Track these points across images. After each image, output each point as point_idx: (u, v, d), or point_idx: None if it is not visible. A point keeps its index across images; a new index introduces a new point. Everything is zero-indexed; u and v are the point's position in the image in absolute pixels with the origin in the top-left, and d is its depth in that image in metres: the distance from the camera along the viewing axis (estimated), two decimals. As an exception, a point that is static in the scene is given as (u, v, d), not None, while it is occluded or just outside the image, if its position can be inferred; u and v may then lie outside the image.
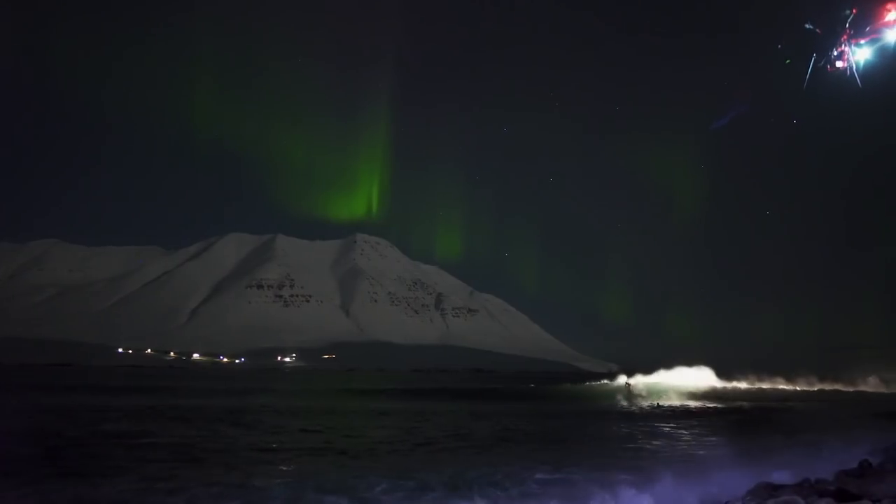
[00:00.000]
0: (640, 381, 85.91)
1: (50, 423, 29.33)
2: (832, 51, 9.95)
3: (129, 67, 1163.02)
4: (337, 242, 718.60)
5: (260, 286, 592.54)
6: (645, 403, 49.54)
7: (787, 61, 10.94)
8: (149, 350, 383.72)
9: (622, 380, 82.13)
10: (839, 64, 9.88)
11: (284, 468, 18.65)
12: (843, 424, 31.22)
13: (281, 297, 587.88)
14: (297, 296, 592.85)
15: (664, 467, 17.18)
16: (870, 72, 9.86)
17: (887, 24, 9.56)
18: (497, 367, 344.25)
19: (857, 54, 9.85)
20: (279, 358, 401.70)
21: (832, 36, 9.97)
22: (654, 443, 25.95)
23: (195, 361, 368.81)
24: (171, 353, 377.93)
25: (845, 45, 9.88)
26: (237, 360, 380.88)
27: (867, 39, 9.68)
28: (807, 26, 10.03)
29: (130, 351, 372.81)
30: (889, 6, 9.49)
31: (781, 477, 15.53)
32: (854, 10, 9.59)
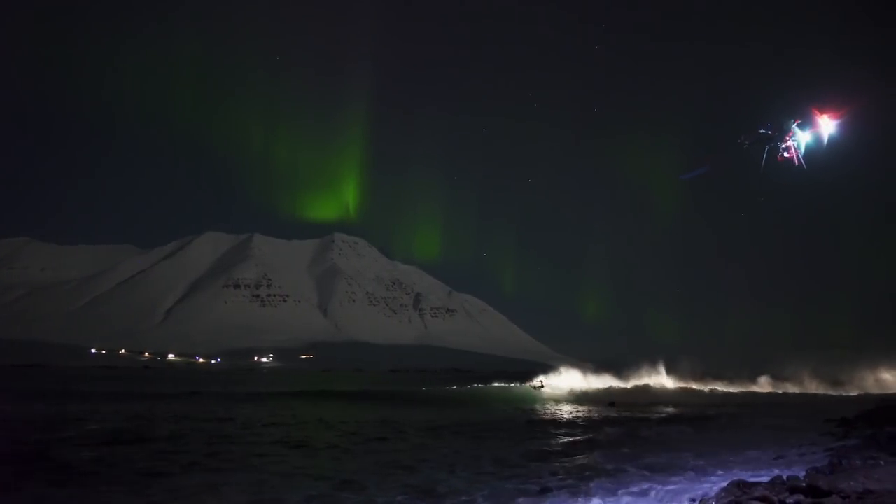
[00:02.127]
0: (554, 381, 79.72)
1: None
2: (781, 145, 13.12)
3: (105, 65, 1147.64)
4: (314, 242, 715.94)
5: (237, 286, 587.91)
6: (548, 408, 46.14)
7: (746, 146, 13.70)
8: (123, 351, 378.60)
9: (537, 381, 73.01)
10: (787, 154, 13.07)
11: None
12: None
13: (258, 296, 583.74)
14: (274, 295, 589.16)
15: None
16: (813, 158, 13.23)
17: (821, 128, 12.97)
18: (476, 368, 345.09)
19: (802, 147, 13.10)
20: (256, 358, 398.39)
21: (782, 135, 13.22)
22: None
23: (170, 362, 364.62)
24: (146, 354, 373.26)
25: (791, 141, 13.15)
26: (213, 361, 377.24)
27: (808, 138, 13.02)
28: (760, 130, 13.35)
29: (104, 351, 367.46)
30: (822, 115, 12.85)
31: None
32: (797, 120, 13.05)
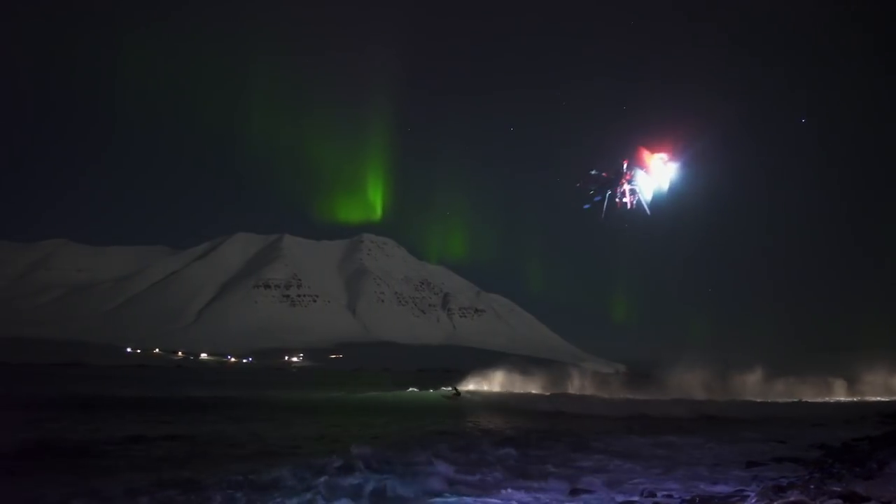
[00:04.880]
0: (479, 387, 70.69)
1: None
2: (618, 191, 12.57)
3: (136, 68, 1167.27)
4: (343, 242, 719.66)
5: (267, 286, 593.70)
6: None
7: (591, 192, 13.05)
8: (156, 350, 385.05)
9: (449, 389, 59.86)
10: (626, 200, 12.51)
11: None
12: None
13: (288, 296, 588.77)
14: (304, 296, 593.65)
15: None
16: (657, 202, 12.67)
17: (651, 168, 12.39)
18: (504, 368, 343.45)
19: (642, 191, 12.51)
20: (286, 358, 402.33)
21: (618, 178, 12.62)
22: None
23: (202, 361, 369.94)
24: (179, 353, 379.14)
25: (626, 185, 12.59)
26: (244, 360, 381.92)
27: (643, 180, 12.43)
28: (591, 172, 12.89)
29: (139, 351, 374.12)
30: (649, 154, 12.30)
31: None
32: (625, 161, 12.45)
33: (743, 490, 15.17)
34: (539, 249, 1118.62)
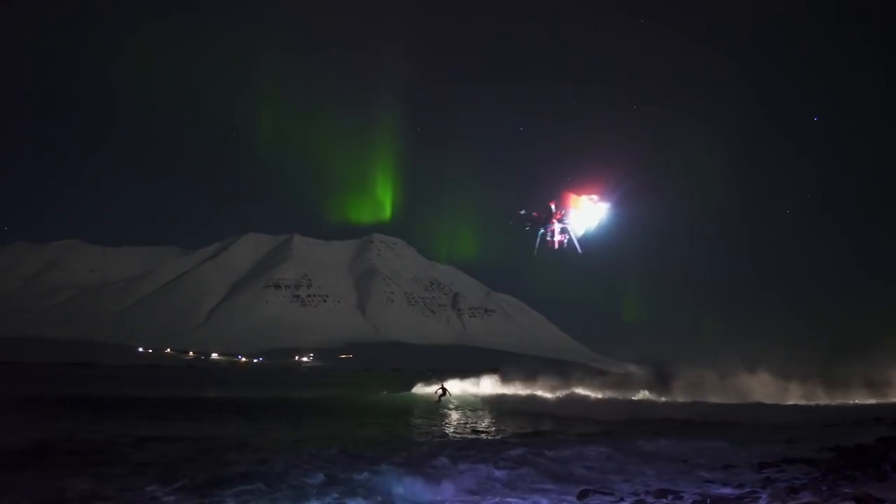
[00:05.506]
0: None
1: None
2: (548, 231, 13.08)
3: (145, 70, 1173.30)
4: (353, 242, 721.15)
5: (277, 286, 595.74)
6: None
7: (527, 227, 13.63)
8: (168, 350, 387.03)
9: (436, 389, 53.57)
10: (557, 238, 13.02)
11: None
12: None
13: (298, 297, 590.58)
14: (314, 296, 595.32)
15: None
16: (587, 240, 13.30)
17: (580, 209, 12.89)
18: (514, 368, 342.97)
19: (573, 230, 13.04)
20: (297, 358, 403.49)
21: (548, 218, 13.11)
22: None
23: (213, 361, 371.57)
24: (190, 353, 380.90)
25: (556, 225, 13.08)
26: (255, 360, 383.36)
27: (571, 220, 12.94)
28: (521, 212, 13.45)
29: (150, 351, 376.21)
30: (575, 197, 12.85)
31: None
32: (552, 202, 12.95)
33: (754, 491, 15.07)
34: (548, 249, 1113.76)
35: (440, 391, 50.87)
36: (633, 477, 17.77)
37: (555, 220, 13.10)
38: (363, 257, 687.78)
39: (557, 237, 13.15)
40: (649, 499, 14.92)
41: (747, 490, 15.41)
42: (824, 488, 14.54)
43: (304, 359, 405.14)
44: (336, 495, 14.86)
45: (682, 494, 15.12)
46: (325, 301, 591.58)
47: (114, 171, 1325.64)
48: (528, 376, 70.21)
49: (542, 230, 13.48)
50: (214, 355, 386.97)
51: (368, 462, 18.53)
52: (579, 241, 13.31)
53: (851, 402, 65.31)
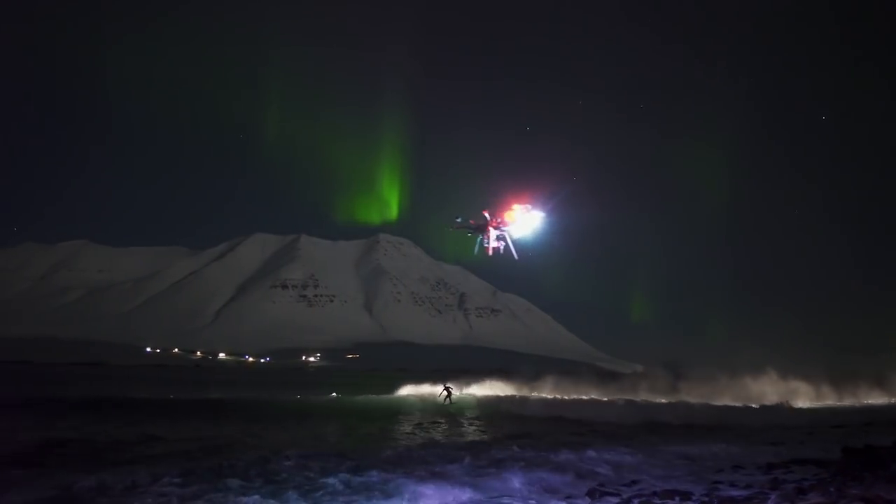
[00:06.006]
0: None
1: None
2: (486, 237, 13.61)
3: (155, 71, 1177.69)
4: (360, 242, 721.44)
5: (284, 286, 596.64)
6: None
7: (469, 234, 14.09)
8: (175, 350, 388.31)
9: (441, 390, 50.74)
10: (493, 244, 13.53)
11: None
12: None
13: (305, 297, 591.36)
14: (321, 296, 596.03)
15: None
16: (524, 246, 13.82)
17: (514, 219, 13.40)
18: (521, 368, 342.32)
19: (509, 237, 13.57)
20: (303, 357, 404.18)
21: (485, 226, 13.68)
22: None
23: (221, 361, 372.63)
24: (198, 353, 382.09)
25: (492, 231, 13.60)
26: (262, 360, 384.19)
27: (507, 227, 13.44)
28: (457, 219, 13.76)
29: (158, 350, 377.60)
30: (511, 206, 13.29)
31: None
32: (486, 212, 13.48)
33: (763, 492, 15.04)
34: (556, 249, 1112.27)
35: (445, 393, 50.50)
36: (640, 477, 17.75)
37: (490, 228, 13.54)
38: (370, 257, 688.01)
39: (493, 243, 13.64)
40: (657, 500, 14.91)
41: (755, 491, 15.37)
42: (832, 489, 14.49)
43: (311, 359, 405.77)
44: (340, 496, 14.97)
45: (690, 495, 15.10)
46: (331, 301, 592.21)
47: (122, 172, 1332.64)
48: (533, 378, 68.85)
49: (480, 236, 13.96)
50: (222, 355, 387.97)
51: (370, 463, 18.67)
52: (516, 246, 13.84)
53: (861, 402, 64.90)
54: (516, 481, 16.66)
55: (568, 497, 15.34)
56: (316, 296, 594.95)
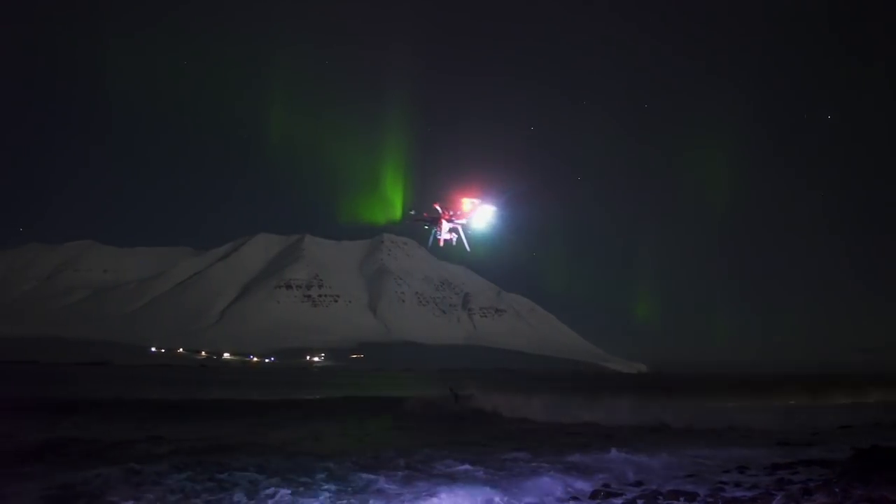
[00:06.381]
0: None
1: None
2: (439, 229, 14.03)
3: (159, 71, 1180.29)
4: (364, 242, 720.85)
5: (288, 286, 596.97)
6: None
7: (426, 227, 14.57)
8: (180, 350, 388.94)
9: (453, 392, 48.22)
10: (446, 237, 13.95)
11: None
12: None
13: (309, 297, 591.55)
14: (326, 296, 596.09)
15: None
16: (477, 238, 14.28)
17: (467, 212, 13.82)
18: (525, 368, 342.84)
19: (461, 229, 14.00)
20: (308, 357, 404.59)
21: (438, 218, 14.12)
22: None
23: (225, 361, 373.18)
24: (202, 353, 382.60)
25: (444, 224, 14.00)
26: (267, 360, 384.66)
27: (460, 220, 13.85)
28: (411, 212, 14.40)
29: (163, 350, 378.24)
30: (463, 199, 13.72)
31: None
32: (437, 205, 13.87)
33: (768, 493, 14.99)
34: (560, 249, 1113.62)
35: (453, 395, 49.69)
36: (645, 478, 17.72)
37: (443, 220, 13.96)
38: (374, 257, 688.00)
39: (446, 235, 14.08)
40: (661, 500, 14.88)
41: (761, 491, 15.32)
42: (837, 490, 14.45)
43: (316, 359, 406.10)
44: (342, 493, 15.03)
45: (696, 495, 15.06)
46: (336, 301, 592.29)
47: (127, 173, 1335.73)
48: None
49: (434, 229, 14.44)
50: (226, 355, 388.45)
51: (373, 464, 18.71)
52: (468, 239, 14.35)
53: (869, 401, 64.73)
54: (523, 483, 16.66)
55: (573, 498, 15.32)
56: (320, 296, 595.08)
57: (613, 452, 22.68)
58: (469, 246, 14.51)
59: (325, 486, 15.65)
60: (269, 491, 14.91)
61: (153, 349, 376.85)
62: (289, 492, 14.93)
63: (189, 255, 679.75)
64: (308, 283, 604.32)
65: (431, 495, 14.99)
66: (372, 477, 16.78)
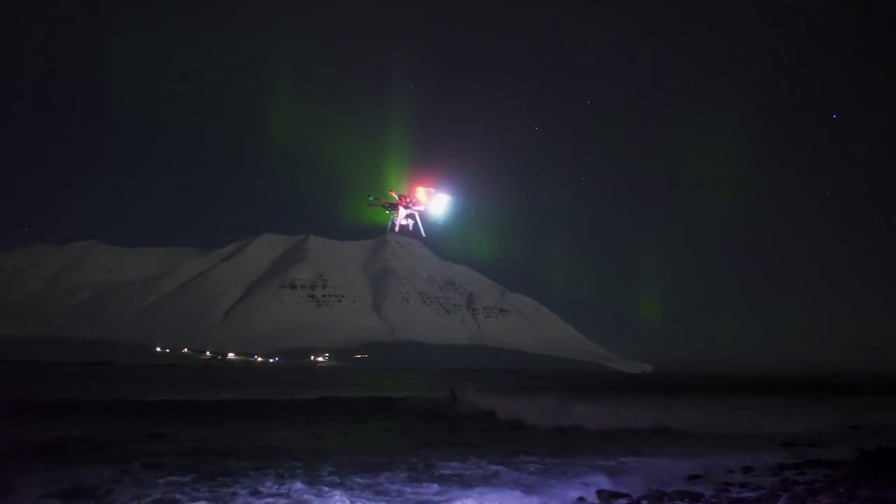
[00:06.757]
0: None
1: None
2: (394, 216, 14.35)
3: (162, 72, 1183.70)
4: (368, 243, 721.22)
5: (293, 286, 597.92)
6: None
7: (388, 212, 14.73)
8: (185, 350, 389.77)
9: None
10: (402, 222, 14.36)
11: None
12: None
13: (313, 297, 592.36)
14: (330, 296, 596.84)
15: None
16: (432, 225, 14.82)
17: (422, 200, 14.22)
18: (529, 367, 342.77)
19: (418, 216, 14.48)
20: (312, 357, 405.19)
21: (395, 205, 14.38)
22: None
23: (230, 361, 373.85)
24: (207, 353, 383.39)
25: (401, 210, 14.32)
26: (271, 360, 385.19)
27: (416, 207, 14.30)
28: (370, 198, 14.60)
29: (167, 350, 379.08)
30: (418, 187, 14.09)
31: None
32: (392, 192, 14.17)
33: (773, 493, 14.91)
34: (564, 249, 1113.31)
35: (452, 396, 49.09)
36: (650, 479, 17.65)
37: (400, 206, 14.33)
38: (378, 257, 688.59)
39: (402, 221, 14.48)
40: (666, 500, 14.82)
41: (766, 492, 15.24)
42: (842, 490, 14.37)
43: (320, 359, 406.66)
44: (344, 493, 15.00)
45: (701, 496, 15.00)
46: (340, 301, 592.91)
47: (131, 173, 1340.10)
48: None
49: (392, 214, 14.88)
50: (231, 355, 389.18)
51: (375, 464, 18.72)
52: (424, 226, 14.82)
53: (874, 402, 64.39)
54: (525, 485, 16.61)
55: (578, 499, 15.28)
56: (324, 296, 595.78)
57: (618, 454, 22.60)
58: (424, 231, 14.95)
59: (327, 487, 15.62)
60: (271, 491, 14.89)
61: (158, 349, 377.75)
62: (290, 492, 14.91)
63: (194, 256, 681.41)
64: (312, 284, 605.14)
65: (432, 496, 14.97)
66: (373, 477, 16.75)
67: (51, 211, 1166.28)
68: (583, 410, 43.76)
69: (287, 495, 14.60)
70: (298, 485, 15.56)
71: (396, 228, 14.85)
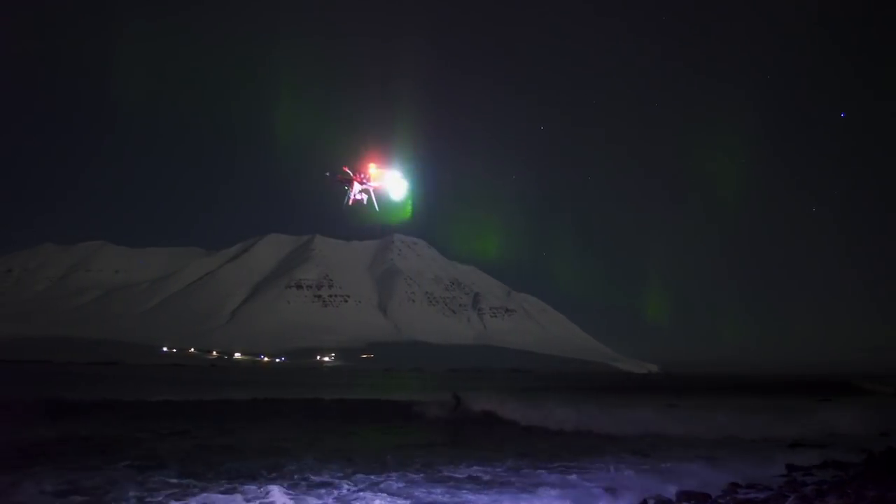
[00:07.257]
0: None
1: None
2: (349, 191, 14.60)
3: (167, 72, 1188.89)
4: (374, 243, 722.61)
5: (299, 286, 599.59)
6: None
7: (346, 188, 14.83)
8: (192, 350, 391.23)
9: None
10: (357, 197, 14.55)
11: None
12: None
13: (319, 297, 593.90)
14: (336, 296, 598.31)
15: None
16: (384, 199, 14.89)
17: (374, 176, 14.48)
18: (535, 367, 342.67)
19: (372, 192, 14.63)
20: (318, 357, 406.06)
21: (350, 181, 14.62)
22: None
23: (236, 361, 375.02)
24: (213, 353, 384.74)
25: (356, 186, 14.48)
26: (277, 360, 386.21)
27: (370, 183, 14.45)
28: (326, 174, 14.79)
29: (174, 350, 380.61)
30: (369, 164, 14.37)
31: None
32: (346, 168, 14.43)
33: (781, 494, 14.75)
34: (570, 249, 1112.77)
35: (455, 399, 48.62)
36: (656, 480, 17.51)
37: (355, 182, 14.59)
38: (384, 257, 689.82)
39: (356, 195, 14.74)
40: (673, 502, 14.71)
41: (773, 493, 15.08)
42: (850, 491, 14.21)
43: (326, 359, 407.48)
44: (345, 493, 14.95)
45: (708, 497, 14.85)
46: (346, 301, 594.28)
47: (138, 173, 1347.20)
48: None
49: (348, 189, 15.13)
50: (237, 355, 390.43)
51: (377, 465, 18.71)
52: (376, 202, 15.06)
53: (882, 403, 63.99)
54: (529, 488, 16.50)
55: (584, 497, 15.18)
56: (330, 296, 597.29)
57: (623, 456, 22.45)
58: (378, 207, 15.13)
59: (328, 487, 15.58)
60: (272, 491, 14.84)
61: (164, 349, 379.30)
62: (292, 492, 14.84)
63: (200, 256, 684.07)
64: (318, 284, 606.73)
65: (434, 499, 14.88)
66: (376, 478, 16.69)
67: (58, 211, 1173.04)
68: (587, 412, 43.62)
69: (287, 495, 14.52)
70: (299, 485, 15.53)
71: (351, 202, 15.09)
